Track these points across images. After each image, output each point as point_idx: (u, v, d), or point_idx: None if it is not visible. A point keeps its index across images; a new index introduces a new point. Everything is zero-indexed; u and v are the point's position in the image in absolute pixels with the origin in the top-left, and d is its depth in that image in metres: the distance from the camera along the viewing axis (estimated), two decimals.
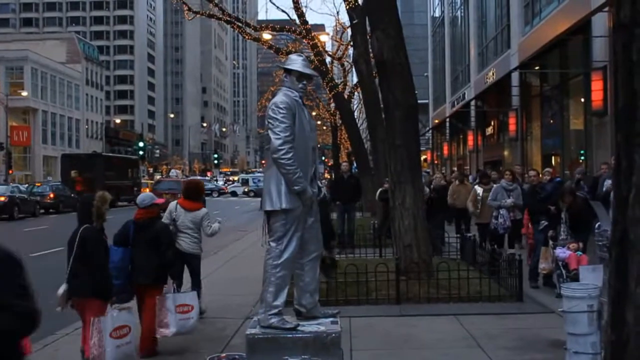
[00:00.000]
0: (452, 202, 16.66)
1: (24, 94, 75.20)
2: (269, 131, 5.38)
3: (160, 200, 8.42)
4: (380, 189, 17.47)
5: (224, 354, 5.64)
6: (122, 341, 6.26)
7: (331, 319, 5.53)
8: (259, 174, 68.94)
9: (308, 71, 5.74)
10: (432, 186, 17.13)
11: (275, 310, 5.25)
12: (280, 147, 5.22)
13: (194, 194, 9.28)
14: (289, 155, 5.21)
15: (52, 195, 40.18)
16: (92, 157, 52.05)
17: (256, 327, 5.34)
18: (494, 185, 13.77)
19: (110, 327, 6.18)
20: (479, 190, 14.42)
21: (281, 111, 5.31)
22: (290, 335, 5.14)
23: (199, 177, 73.02)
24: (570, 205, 10.66)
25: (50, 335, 8.53)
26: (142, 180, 59.30)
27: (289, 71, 5.64)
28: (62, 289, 6.42)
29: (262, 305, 5.34)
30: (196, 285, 8.95)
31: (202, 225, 8.96)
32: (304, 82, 5.68)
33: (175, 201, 9.29)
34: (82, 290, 6.41)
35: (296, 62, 5.64)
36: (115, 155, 68.15)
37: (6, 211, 33.52)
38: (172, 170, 51.02)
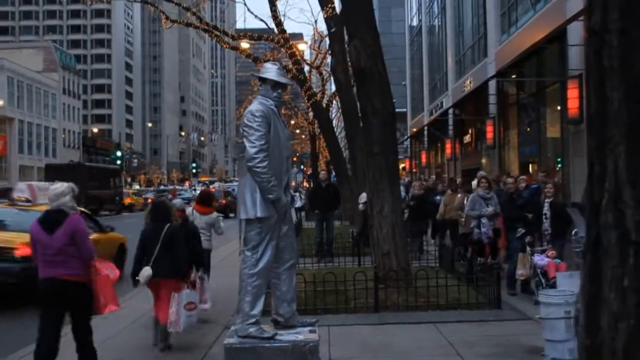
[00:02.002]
0: (443, 212, 15.94)
1: (0, 103, 74.56)
2: (244, 139, 5.37)
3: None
4: (364, 200, 17.48)
5: None
6: (190, 313, 8.06)
7: (309, 328, 5.52)
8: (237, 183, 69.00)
9: (283, 80, 5.74)
10: (410, 194, 17.20)
11: (253, 320, 5.22)
12: (255, 156, 5.21)
13: (207, 201, 11.10)
14: (264, 164, 5.19)
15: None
16: (76, 167, 52.53)
17: (234, 336, 5.31)
18: (470, 195, 13.64)
19: (185, 301, 7.98)
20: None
21: (257, 119, 5.30)
22: (269, 345, 5.12)
23: (177, 187, 73.06)
24: (555, 196, 10.90)
25: (29, 345, 8.43)
26: (124, 190, 59.03)
27: (263, 80, 5.63)
28: (147, 272, 7.95)
29: (239, 315, 5.31)
30: (207, 275, 9.86)
31: (215, 226, 10.78)
32: (279, 91, 5.66)
33: (191, 207, 11.03)
34: (165, 273, 8.01)
35: (271, 71, 5.63)
36: (98, 165, 67.90)
37: None
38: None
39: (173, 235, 8.18)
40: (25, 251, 10.05)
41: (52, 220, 6.41)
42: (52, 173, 50.70)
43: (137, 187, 74.47)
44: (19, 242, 11.28)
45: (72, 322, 6.57)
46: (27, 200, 12.66)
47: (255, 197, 5.28)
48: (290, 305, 5.55)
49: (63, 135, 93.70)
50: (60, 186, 6.56)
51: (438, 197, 17.39)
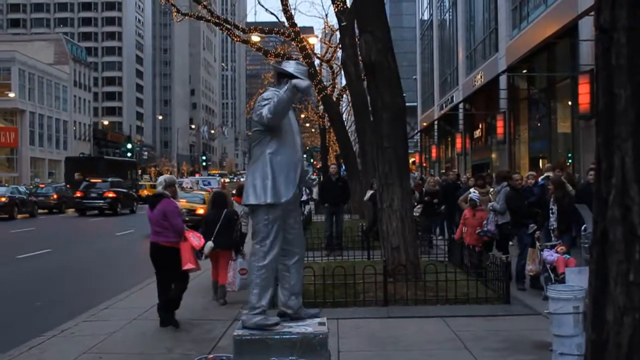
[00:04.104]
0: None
1: (11, 95, 74.88)
2: (256, 122, 5.32)
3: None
4: (371, 192, 17.47)
5: (211, 356, 5.65)
6: (243, 276, 9.90)
7: (318, 320, 5.55)
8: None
9: (310, 91, 5.62)
10: (424, 190, 17.07)
11: (259, 310, 5.26)
12: (264, 113, 5.19)
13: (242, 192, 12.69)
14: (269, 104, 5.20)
15: (55, 196, 42.11)
16: (95, 160, 57.23)
17: (243, 328, 5.35)
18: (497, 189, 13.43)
19: (239, 267, 10.17)
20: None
21: (269, 99, 5.28)
22: (278, 337, 5.15)
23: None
24: (559, 192, 10.88)
25: (37, 337, 8.52)
26: (140, 182, 59.97)
27: (292, 77, 5.35)
28: (210, 245, 10.10)
29: (247, 307, 5.34)
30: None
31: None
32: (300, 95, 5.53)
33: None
34: (223, 246, 10.41)
35: (304, 75, 5.45)
36: (116, 158, 68.60)
37: (6, 211, 35.34)
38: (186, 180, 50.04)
39: (229, 217, 10.53)
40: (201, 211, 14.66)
41: (153, 202, 9.23)
42: (72, 165, 53.26)
43: (148, 179, 74.54)
44: (197, 206, 20.19)
45: (160, 278, 9.12)
46: (190, 188, 18.96)
47: (266, 184, 5.26)
48: (298, 297, 5.58)
49: (74, 128, 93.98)
50: (163, 176, 9.85)
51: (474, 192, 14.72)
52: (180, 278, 9.05)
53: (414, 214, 17.00)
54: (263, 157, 5.33)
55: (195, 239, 9.02)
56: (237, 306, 9.98)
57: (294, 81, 5.19)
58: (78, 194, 39.54)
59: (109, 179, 41.24)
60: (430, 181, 17.78)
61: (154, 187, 52.93)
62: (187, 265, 8.86)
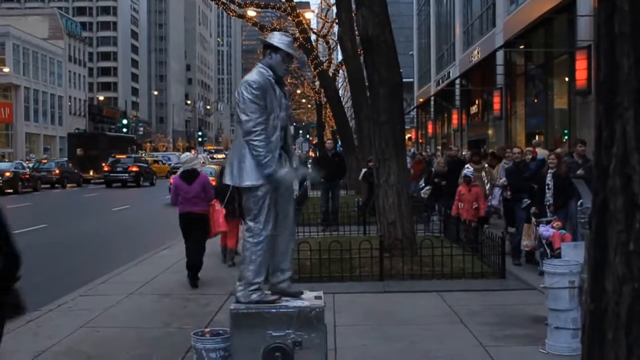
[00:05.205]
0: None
1: (6, 70, 74.40)
2: (239, 110, 5.28)
3: None
4: (365, 170, 17.42)
5: (207, 329, 5.64)
6: None
7: (315, 294, 5.55)
8: None
9: (295, 52, 5.61)
10: (433, 171, 16.38)
11: (256, 287, 5.24)
12: (253, 129, 5.12)
13: None
14: (261, 138, 5.10)
15: (57, 172, 43.66)
16: (97, 136, 59.57)
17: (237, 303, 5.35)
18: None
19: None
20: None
21: (254, 91, 5.18)
22: (275, 310, 5.15)
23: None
24: (558, 167, 10.86)
25: (34, 311, 8.53)
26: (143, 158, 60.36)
27: (275, 49, 5.41)
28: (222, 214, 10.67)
29: (242, 283, 5.30)
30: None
31: None
32: (288, 64, 5.56)
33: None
34: (233, 214, 11.44)
35: (283, 41, 5.44)
36: (117, 134, 69.09)
37: (11, 185, 36.56)
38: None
39: (238, 190, 11.44)
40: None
41: (189, 176, 10.28)
42: (74, 141, 55.71)
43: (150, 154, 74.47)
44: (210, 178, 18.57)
45: (193, 241, 10.31)
46: (203, 163, 17.50)
47: (242, 166, 5.22)
48: (285, 273, 5.54)
49: (69, 103, 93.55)
50: (190, 154, 11.45)
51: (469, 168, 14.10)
52: (202, 243, 10.48)
53: (423, 195, 16.84)
54: (241, 138, 5.29)
55: (219, 207, 10.55)
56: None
57: (267, 173, 5.19)
58: (106, 169, 44.04)
59: (132, 155, 46.89)
60: (440, 162, 16.36)
61: (156, 162, 56.47)
62: (221, 228, 10.53)
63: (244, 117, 5.22)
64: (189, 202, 10.20)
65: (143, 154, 69.49)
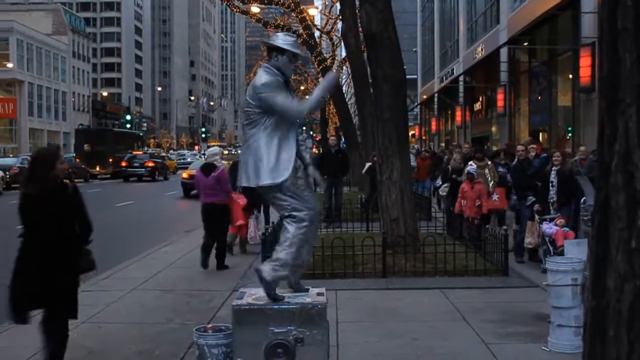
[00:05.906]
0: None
1: (10, 65, 74.40)
2: (268, 102, 5.11)
3: None
4: (368, 164, 17.40)
5: (210, 325, 5.64)
6: (259, 232, 12.06)
7: (317, 290, 5.53)
8: None
9: (301, 52, 5.58)
10: (450, 168, 15.89)
11: (286, 272, 5.17)
12: (300, 109, 5.28)
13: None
14: (300, 105, 5.35)
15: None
16: (104, 132, 60.45)
17: (242, 298, 5.34)
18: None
19: (257, 223, 12.62)
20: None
21: (271, 87, 5.13)
22: (277, 307, 5.14)
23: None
24: (562, 164, 10.85)
25: None
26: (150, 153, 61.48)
27: (281, 50, 5.29)
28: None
29: (273, 260, 5.19)
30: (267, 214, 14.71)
31: None
32: (294, 64, 5.52)
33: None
34: (245, 207, 12.01)
35: (289, 42, 5.35)
36: (123, 130, 69.72)
37: (18, 181, 36.10)
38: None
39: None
40: None
41: (207, 170, 11.18)
42: (82, 137, 56.08)
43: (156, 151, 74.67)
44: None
45: (213, 230, 11.11)
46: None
47: (280, 157, 5.13)
48: (302, 267, 5.52)
49: (73, 99, 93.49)
50: (214, 149, 12.18)
51: (472, 165, 13.67)
52: (223, 232, 11.40)
53: (441, 193, 16.51)
54: (261, 137, 5.19)
55: (240, 199, 11.71)
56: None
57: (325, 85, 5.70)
58: (123, 164, 46.05)
59: (148, 151, 49.75)
60: (457, 158, 15.54)
61: (162, 157, 57.25)
62: (239, 222, 11.83)
63: (281, 107, 5.13)
64: (206, 193, 11.15)
65: (161, 151, 70.76)
